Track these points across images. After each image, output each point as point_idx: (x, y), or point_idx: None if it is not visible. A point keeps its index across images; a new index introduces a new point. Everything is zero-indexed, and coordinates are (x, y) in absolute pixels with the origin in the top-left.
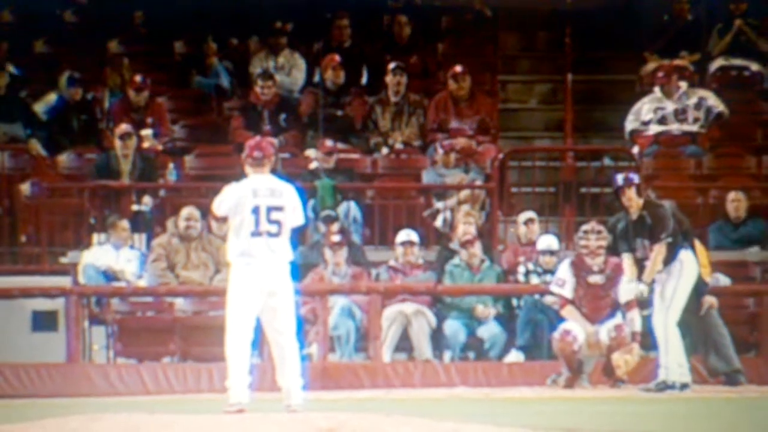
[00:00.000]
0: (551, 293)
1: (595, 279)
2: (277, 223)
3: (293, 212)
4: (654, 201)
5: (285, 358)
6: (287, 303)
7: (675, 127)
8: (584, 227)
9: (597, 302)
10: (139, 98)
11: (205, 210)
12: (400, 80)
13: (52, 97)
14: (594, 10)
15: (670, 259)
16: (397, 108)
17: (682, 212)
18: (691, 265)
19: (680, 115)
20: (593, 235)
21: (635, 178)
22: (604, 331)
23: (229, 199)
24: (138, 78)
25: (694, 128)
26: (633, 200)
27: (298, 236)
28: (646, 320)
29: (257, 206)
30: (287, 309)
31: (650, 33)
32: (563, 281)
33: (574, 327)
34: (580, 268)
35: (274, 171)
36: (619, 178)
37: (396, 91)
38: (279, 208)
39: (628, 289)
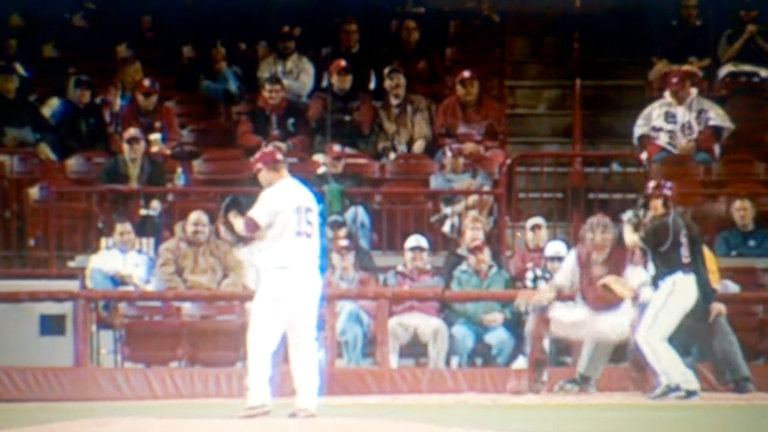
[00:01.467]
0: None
1: (597, 270)
2: (311, 224)
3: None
4: (662, 215)
5: (302, 360)
6: (315, 306)
7: (684, 141)
8: (590, 220)
9: (599, 292)
10: (148, 102)
11: (213, 214)
12: (398, 83)
13: (54, 102)
14: (602, 16)
15: (658, 276)
16: (399, 110)
17: (693, 220)
18: (684, 287)
19: (687, 130)
20: (599, 229)
21: (666, 187)
22: (610, 321)
23: (272, 205)
24: (147, 82)
25: (695, 150)
26: (658, 210)
27: None
28: None
29: (299, 207)
30: (313, 311)
31: (659, 38)
32: (562, 270)
33: (561, 314)
34: (583, 260)
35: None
36: (650, 186)
37: (395, 94)
38: (311, 210)
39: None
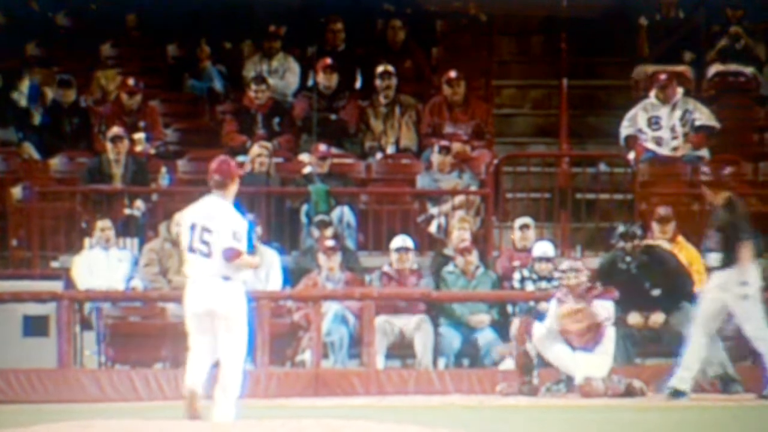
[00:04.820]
0: (546, 300)
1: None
2: (207, 244)
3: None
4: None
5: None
6: (226, 322)
7: (670, 148)
8: (562, 267)
9: (573, 327)
10: (132, 102)
11: None
12: (389, 84)
13: (25, 84)
14: (589, 16)
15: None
16: (388, 109)
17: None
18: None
19: (672, 132)
20: (572, 273)
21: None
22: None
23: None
24: (131, 81)
25: (687, 151)
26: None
27: (291, 241)
28: None
29: (194, 224)
30: (225, 327)
31: (648, 39)
32: (548, 316)
33: (540, 329)
34: (561, 301)
35: (268, 176)
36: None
37: (386, 95)
38: (208, 230)
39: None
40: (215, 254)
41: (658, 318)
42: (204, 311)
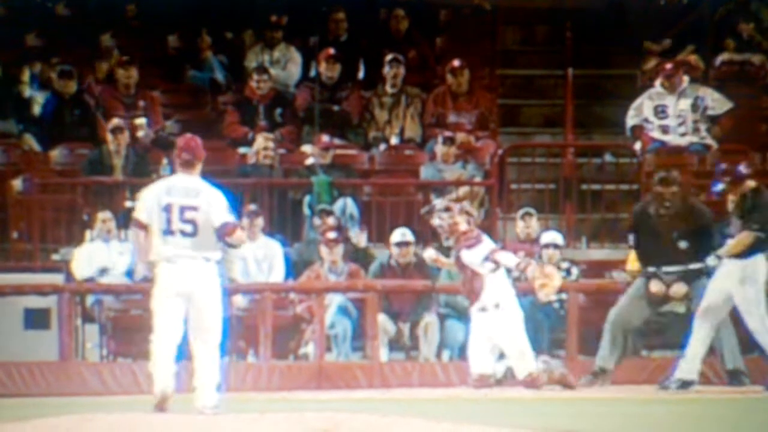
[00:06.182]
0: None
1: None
2: (192, 222)
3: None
4: None
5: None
6: (205, 304)
7: (678, 134)
8: (432, 205)
9: (468, 284)
10: (129, 76)
11: None
12: (397, 72)
13: (25, 75)
14: (594, 5)
15: None
16: (394, 100)
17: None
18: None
19: (680, 119)
20: (446, 213)
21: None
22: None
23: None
24: (124, 58)
25: (695, 139)
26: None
27: (294, 233)
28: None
29: (169, 204)
30: (203, 310)
31: (653, 28)
32: None
33: None
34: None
35: (271, 168)
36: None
37: (393, 83)
38: (193, 208)
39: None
40: (202, 232)
41: (680, 289)
42: (185, 293)
